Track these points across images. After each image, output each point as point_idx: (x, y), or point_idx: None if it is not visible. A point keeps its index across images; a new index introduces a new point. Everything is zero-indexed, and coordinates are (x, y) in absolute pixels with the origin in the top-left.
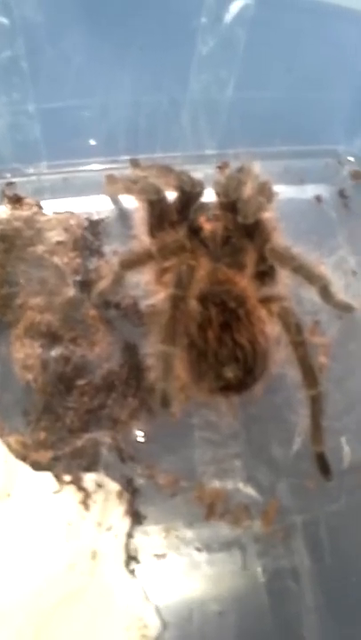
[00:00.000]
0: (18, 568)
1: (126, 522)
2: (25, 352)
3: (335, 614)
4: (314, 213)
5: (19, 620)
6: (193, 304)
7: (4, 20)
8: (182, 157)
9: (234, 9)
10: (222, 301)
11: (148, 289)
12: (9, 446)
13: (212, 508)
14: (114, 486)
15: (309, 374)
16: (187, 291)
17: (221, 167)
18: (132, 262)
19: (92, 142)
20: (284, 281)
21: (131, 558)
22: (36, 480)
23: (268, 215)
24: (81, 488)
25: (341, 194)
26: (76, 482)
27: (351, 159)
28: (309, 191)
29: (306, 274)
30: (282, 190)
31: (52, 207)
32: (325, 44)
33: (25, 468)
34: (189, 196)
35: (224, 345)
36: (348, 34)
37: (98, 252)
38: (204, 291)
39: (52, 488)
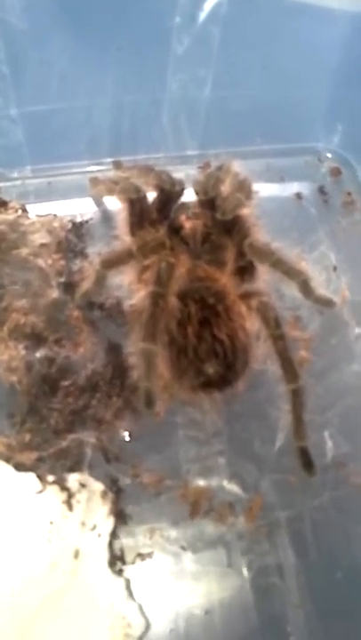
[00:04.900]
0: (0, 568)
1: (110, 521)
2: (9, 354)
3: (321, 610)
4: (295, 210)
5: (1, 620)
6: (173, 301)
7: None
8: (164, 158)
9: (207, 7)
10: (201, 298)
11: (131, 289)
12: None
13: (197, 507)
14: (98, 486)
15: (289, 368)
16: (166, 288)
17: (203, 167)
18: (113, 261)
19: (76, 145)
20: (264, 277)
21: (116, 558)
22: (19, 480)
23: (246, 212)
24: (64, 488)
25: (321, 190)
26: (60, 482)
27: (330, 156)
28: (290, 188)
29: (285, 269)
30: (263, 188)
31: (36, 210)
32: (301, 41)
33: (8, 468)
34: (169, 194)
35: (203, 341)
36: (324, 31)
37: (81, 254)
38: (184, 288)
39: (35, 488)
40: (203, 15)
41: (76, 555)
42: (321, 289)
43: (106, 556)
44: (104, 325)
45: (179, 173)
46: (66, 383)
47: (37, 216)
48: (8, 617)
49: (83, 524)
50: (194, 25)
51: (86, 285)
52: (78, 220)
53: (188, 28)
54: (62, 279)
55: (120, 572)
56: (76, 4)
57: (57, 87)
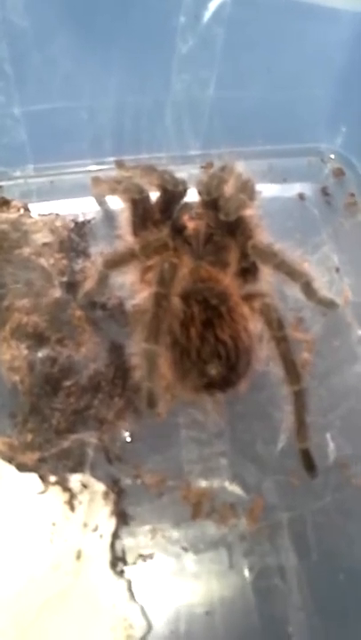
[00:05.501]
0: (2, 569)
1: (112, 522)
2: (11, 354)
3: (322, 612)
4: (297, 211)
5: (2, 622)
6: (176, 302)
7: None
8: (167, 158)
9: (212, 7)
10: (204, 299)
11: (134, 289)
12: None
13: (199, 508)
14: (100, 487)
15: (292, 370)
16: (169, 289)
17: (206, 167)
18: (116, 262)
19: (79, 145)
20: (267, 278)
21: (117, 559)
22: (21, 481)
23: (250, 212)
24: (66, 489)
25: (324, 191)
26: (62, 482)
27: (333, 157)
28: (293, 189)
29: (288, 270)
30: (266, 189)
31: (39, 210)
32: (305, 42)
33: (10, 468)
34: (172, 194)
35: (206, 342)
36: (328, 31)
37: (84, 254)
38: (187, 288)
39: (37, 489)
40: (207, 15)
41: (79, 556)
42: (324, 290)
43: (108, 557)
44: (106, 325)
45: (181, 173)
46: (68, 383)
47: (40, 215)
48: (10, 618)
49: (85, 524)
50: (198, 25)
51: (89, 285)
52: (80, 219)
53: (192, 28)
54: (65, 279)
55: (121, 573)
56: (78, 2)
57: (60, 86)
